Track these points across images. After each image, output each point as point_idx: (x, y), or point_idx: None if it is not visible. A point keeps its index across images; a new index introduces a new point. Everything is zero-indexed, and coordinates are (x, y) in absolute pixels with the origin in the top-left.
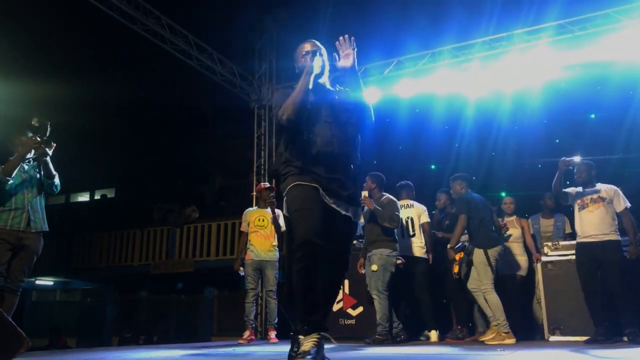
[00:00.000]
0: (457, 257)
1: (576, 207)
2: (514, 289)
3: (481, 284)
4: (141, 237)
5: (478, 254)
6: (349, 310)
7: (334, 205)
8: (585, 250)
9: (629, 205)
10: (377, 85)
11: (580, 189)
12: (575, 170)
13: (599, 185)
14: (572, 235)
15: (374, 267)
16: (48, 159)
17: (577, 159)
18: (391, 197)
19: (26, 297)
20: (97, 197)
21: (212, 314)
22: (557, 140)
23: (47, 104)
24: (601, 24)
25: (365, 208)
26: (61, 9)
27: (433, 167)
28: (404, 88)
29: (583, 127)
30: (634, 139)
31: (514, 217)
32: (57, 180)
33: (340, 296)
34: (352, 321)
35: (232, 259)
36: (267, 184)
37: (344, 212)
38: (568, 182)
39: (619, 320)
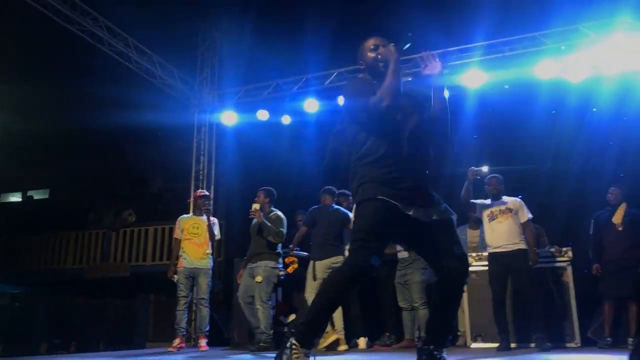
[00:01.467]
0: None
1: (485, 219)
2: None
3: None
4: (75, 239)
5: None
6: (282, 318)
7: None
8: (497, 260)
9: (530, 216)
10: (316, 97)
11: (488, 200)
12: (486, 182)
13: (506, 198)
14: None
15: (259, 279)
16: None
17: (484, 169)
18: (279, 213)
19: None
20: (30, 197)
21: (148, 319)
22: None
23: None
24: (528, 46)
25: (254, 221)
26: None
27: None
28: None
29: (511, 142)
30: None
31: None
32: None
33: (272, 303)
34: (285, 329)
35: (168, 264)
36: (204, 192)
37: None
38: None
39: (528, 327)
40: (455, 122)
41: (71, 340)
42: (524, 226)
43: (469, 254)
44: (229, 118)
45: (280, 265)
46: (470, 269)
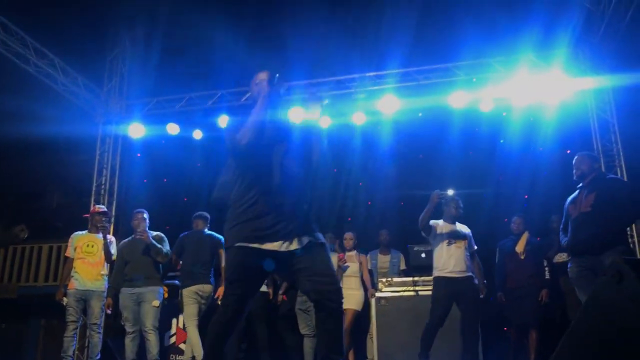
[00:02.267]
0: None
1: (443, 241)
2: (349, 323)
3: None
4: None
5: None
6: (182, 345)
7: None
8: (447, 284)
9: (475, 247)
10: (230, 113)
11: (441, 221)
12: (450, 204)
13: (460, 224)
14: (406, 272)
15: (156, 303)
16: None
17: (450, 192)
18: (161, 233)
19: None
20: None
21: (37, 346)
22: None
23: None
24: (442, 75)
25: (127, 242)
26: None
27: None
28: None
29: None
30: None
31: (354, 252)
32: None
33: (173, 330)
34: (183, 356)
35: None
36: (102, 207)
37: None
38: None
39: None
40: (371, 147)
41: None
42: (473, 255)
43: (379, 279)
44: (136, 130)
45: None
46: (380, 294)
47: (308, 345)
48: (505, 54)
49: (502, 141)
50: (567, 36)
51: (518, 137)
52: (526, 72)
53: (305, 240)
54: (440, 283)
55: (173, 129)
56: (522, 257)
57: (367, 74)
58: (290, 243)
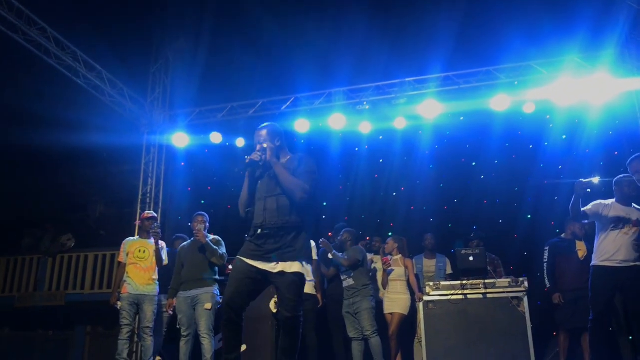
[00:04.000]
0: None
1: (607, 225)
2: (395, 327)
3: None
4: (6, 265)
5: None
6: None
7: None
8: (609, 274)
9: None
10: (273, 121)
11: (610, 202)
12: (618, 182)
13: (636, 207)
14: (453, 276)
15: (208, 306)
16: None
17: (595, 180)
18: (217, 236)
19: None
20: None
21: (83, 353)
22: (442, 185)
23: None
24: (483, 79)
25: (186, 245)
26: None
27: (325, 204)
28: (300, 125)
29: (465, 174)
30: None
31: (399, 256)
32: None
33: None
34: None
35: (108, 292)
36: (152, 213)
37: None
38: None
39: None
40: (413, 152)
41: None
42: None
43: (426, 283)
44: (180, 140)
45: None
46: (428, 298)
47: (356, 348)
48: (549, 56)
49: (546, 144)
50: (614, 37)
51: (562, 139)
52: (570, 74)
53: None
54: (601, 272)
55: (216, 137)
56: (582, 259)
57: (408, 79)
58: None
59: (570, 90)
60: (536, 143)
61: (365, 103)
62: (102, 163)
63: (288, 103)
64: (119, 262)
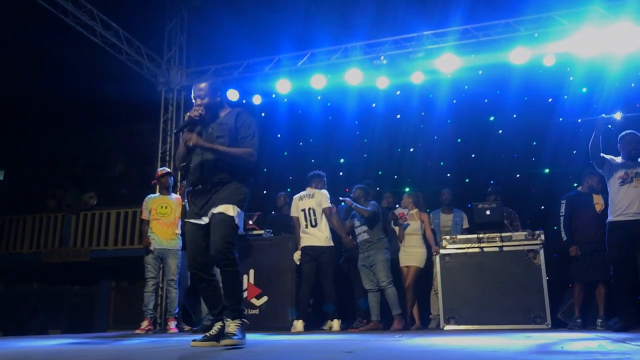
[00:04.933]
0: None
1: (616, 180)
2: (411, 280)
3: None
4: (32, 223)
5: None
6: (253, 300)
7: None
8: (623, 228)
9: None
10: (289, 77)
11: (619, 159)
12: (621, 139)
13: None
14: (469, 230)
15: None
16: None
17: (617, 115)
18: None
19: None
20: None
21: (108, 306)
22: (459, 140)
23: None
24: (502, 32)
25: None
26: None
27: (342, 160)
28: (317, 81)
29: (483, 129)
30: (527, 142)
31: (414, 211)
32: None
33: (244, 286)
34: (256, 311)
35: (131, 248)
36: (166, 169)
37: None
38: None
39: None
40: (430, 106)
41: (27, 326)
42: None
43: (443, 237)
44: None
45: None
46: (444, 251)
47: (373, 299)
48: (570, 6)
49: (565, 97)
50: None
51: (582, 92)
52: (592, 24)
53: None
54: (614, 227)
55: (233, 95)
56: (599, 212)
57: (426, 33)
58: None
59: (592, 41)
60: (555, 97)
61: (382, 57)
62: (121, 122)
63: (304, 59)
64: (142, 220)
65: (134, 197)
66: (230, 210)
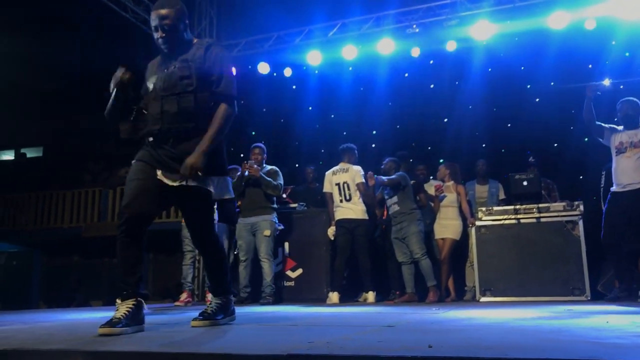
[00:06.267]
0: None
1: (614, 150)
2: (447, 252)
3: None
4: (72, 198)
5: None
6: (289, 272)
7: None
8: (617, 200)
9: None
10: (320, 49)
11: (620, 128)
12: (618, 107)
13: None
14: (506, 201)
15: (267, 232)
16: None
17: (606, 82)
18: (275, 167)
19: None
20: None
21: (147, 278)
22: (495, 109)
23: None
24: None
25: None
26: None
27: (374, 132)
28: (348, 51)
29: (520, 98)
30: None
31: (450, 183)
32: None
33: (280, 258)
34: (292, 283)
35: (167, 222)
36: None
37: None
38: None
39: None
40: (464, 75)
41: (68, 299)
42: None
43: (479, 208)
44: None
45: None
46: (480, 223)
47: (407, 272)
48: None
49: (607, 62)
50: None
51: (625, 57)
52: None
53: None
54: (611, 199)
55: (263, 68)
56: None
57: None
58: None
59: (636, 3)
60: (595, 62)
61: (415, 26)
62: None
63: (335, 29)
64: None
65: None
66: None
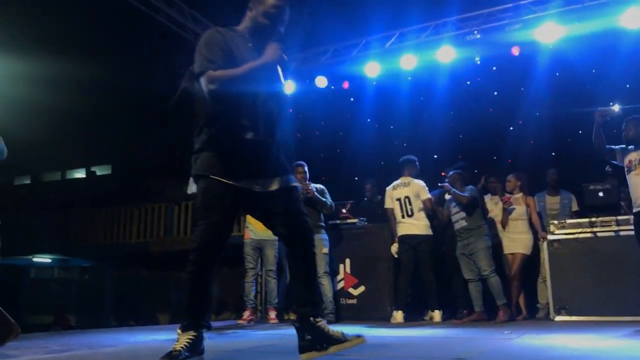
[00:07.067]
0: None
1: (625, 170)
2: (517, 268)
3: None
4: (139, 214)
5: None
6: (351, 290)
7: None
8: (637, 220)
9: None
10: (378, 59)
11: (631, 147)
12: (622, 127)
13: None
14: (579, 213)
15: (325, 250)
16: None
17: (615, 108)
18: (321, 185)
19: (25, 275)
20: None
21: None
22: (564, 115)
23: (43, 82)
24: None
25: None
26: None
27: (436, 142)
28: (406, 61)
29: (591, 102)
30: None
31: (519, 194)
32: (2, 145)
33: (341, 275)
34: (354, 301)
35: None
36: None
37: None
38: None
39: None
40: (530, 81)
41: (137, 312)
42: None
43: (550, 221)
44: (285, 87)
45: None
46: (552, 237)
47: (474, 289)
48: None
49: None
50: None
51: None
52: None
53: (277, 183)
54: (634, 220)
55: (321, 81)
56: None
57: (522, 2)
58: (264, 183)
59: None
60: None
61: (476, 32)
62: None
63: (393, 39)
64: None
65: None
66: None
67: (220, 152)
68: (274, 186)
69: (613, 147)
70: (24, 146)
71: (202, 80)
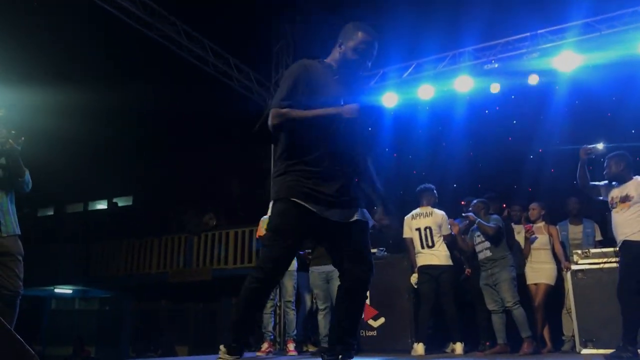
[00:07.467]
0: None
1: (609, 207)
2: (541, 298)
3: None
4: (159, 245)
5: None
6: (370, 322)
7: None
8: (624, 250)
9: None
10: (395, 90)
11: (615, 183)
12: (609, 161)
13: (632, 181)
14: (603, 243)
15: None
16: (17, 154)
17: (599, 146)
18: None
19: (45, 306)
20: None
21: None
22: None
23: (64, 113)
24: (630, 21)
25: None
26: (78, 17)
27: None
28: (424, 91)
29: (611, 130)
30: None
31: (542, 223)
32: (28, 177)
33: None
34: (374, 332)
35: (250, 267)
36: None
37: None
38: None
39: None
40: (549, 110)
41: (155, 343)
42: None
43: (573, 251)
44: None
45: None
46: (577, 267)
47: (497, 321)
48: None
49: None
50: None
51: None
52: None
53: (354, 215)
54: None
55: None
56: None
57: (540, 31)
58: (343, 214)
59: None
60: None
61: (493, 61)
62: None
63: (410, 69)
64: (258, 237)
65: (249, 216)
66: None
67: (298, 178)
68: (351, 218)
69: (597, 183)
70: (48, 177)
71: (270, 114)
